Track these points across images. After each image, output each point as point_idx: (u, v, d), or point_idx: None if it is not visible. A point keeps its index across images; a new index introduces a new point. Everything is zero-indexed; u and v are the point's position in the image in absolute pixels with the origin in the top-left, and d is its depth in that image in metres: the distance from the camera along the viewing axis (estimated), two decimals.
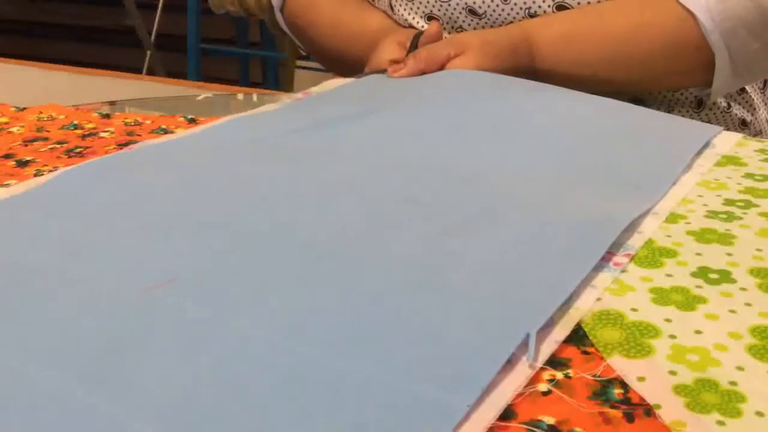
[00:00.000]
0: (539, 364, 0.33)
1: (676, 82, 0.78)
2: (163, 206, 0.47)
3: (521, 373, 0.32)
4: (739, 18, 0.70)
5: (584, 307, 0.37)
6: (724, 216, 0.46)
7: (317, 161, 0.54)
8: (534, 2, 0.76)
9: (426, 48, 0.74)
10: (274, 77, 3.07)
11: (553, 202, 0.47)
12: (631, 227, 0.44)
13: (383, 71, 0.75)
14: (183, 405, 0.30)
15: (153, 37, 2.80)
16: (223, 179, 0.51)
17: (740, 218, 0.45)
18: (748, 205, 0.47)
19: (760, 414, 0.30)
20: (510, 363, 0.32)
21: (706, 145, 0.57)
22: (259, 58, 3.14)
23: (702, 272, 0.40)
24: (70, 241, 0.43)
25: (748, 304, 0.37)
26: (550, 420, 0.29)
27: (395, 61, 0.76)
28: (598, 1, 0.74)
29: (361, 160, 0.54)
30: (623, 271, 0.40)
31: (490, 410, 0.30)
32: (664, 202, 0.48)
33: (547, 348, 0.34)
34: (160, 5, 2.75)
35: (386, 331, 0.34)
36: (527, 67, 0.73)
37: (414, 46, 0.76)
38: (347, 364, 0.32)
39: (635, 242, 0.43)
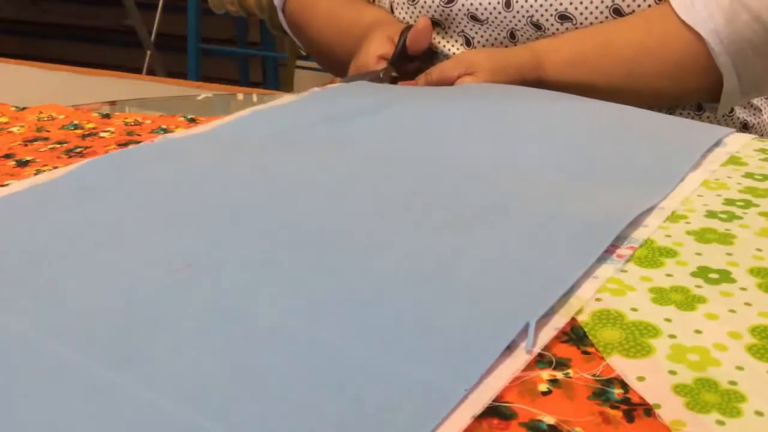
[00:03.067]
0: (537, 349, 0.33)
1: (682, 101, 0.78)
2: (182, 196, 0.49)
3: (519, 359, 0.33)
4: (747, 40, 0.70)
5: (585, 296, 0.37)
6: (724, 216, 0.46)
7: (332, 155, 0.55)
8: (536, 11, 0.75)
9: (436, 68, 0.74)
10: (274, 77, 3.07)
11: (559, 197, 0.48)
12: (637, 221, 0.44)
13: (371, 74, 0.74)
14: (195, 382, 0.31)
15: (153, 37, 2.80)
16: (240, 172, 0.53)
17: (740, 218, 0.45)
18: (748, 204, 0.47)
19: (759, 414, 0.30)
20: (509, 349, 0.33)
21: (717, 144, 0.57)
22: (259, 58, 3.14)
23: (702, 272, 0.40)
24: (93, 227, 0.45)
25: (748, 304, 0.37)
26: (550, 420, 0.29)
27: (383, 57, 0.75)
28: (603, 13, 0.74)
29: (372, 155, 0.55)
30: (623, 271, 0.40)
31: (487, 392, 0.30)
32: (670, 198, 0.48)
33: (546, 335, 0.34)
34: (160, 5, 2.75)
35: (389, 318, 0.35)
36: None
37: (402, 40, 0.75)
38: (350, 348, 0.33)
39: (639, 235, 0.43)
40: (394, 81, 0.76)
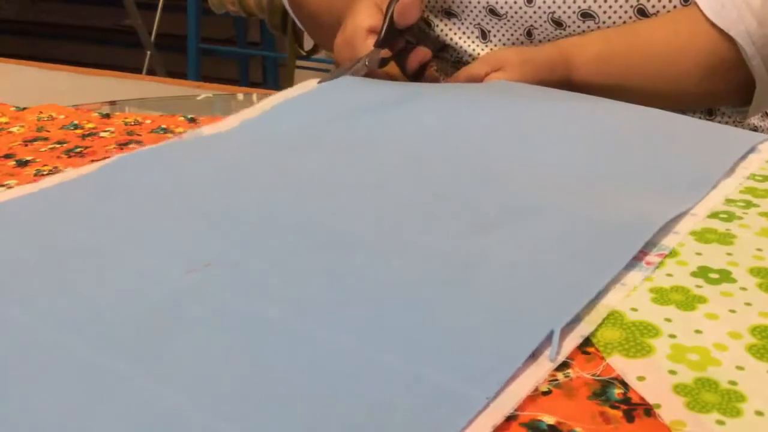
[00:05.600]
0: (562, 358, 0.33)
1: (711, 103, 0.78)
2: (205, 195, 0.49)
3: (542, 367, 0.32)
4: None
5: (611, 304, 0.37)
6: (725, 216, 0.46)
7: (353, 154, 0.55)
8: (559, 7, 0.74)
9: (464, 70, 0.73)
10: (274, 77, 3.07)
11: (587, 201, 0.47)
12: (667, 227, 0.43)
13: (356, 63, 0.71)
14: (213, 382, 0.31)
15: (153, 37, 2.80)
16: (263, 171, 0.53)
17: (740, 218, 0.45)
18: (748, 205, 0.47)
19: (760, 414, 0.30)
20: (532, 357, 0.32)
21: (752, 150, 0.55)
22: (259, 58, 3.14)
23: (702, 272, 0.40)
24: (117, 225, 0.45)
25: (748, 304, 0.37)
26: (550, 420, 0.29)
27: (372, 30, 0.72)
28: (627, 13, 0.73)
29: (395, 155, 0.55)
30: (645, 279, 0.40)
31: (509, 401, 0.30)
32: (702, 205, 0.47)
33: (572, 343, 0.34)
34: (160, 5, 2.75)
35: (411, 322, 0.35)
36: (564, 86, 0.72)
37: (390, 13, 0.71)
38: (371, 352, 0.32)
39: (670, 242, 0.42)
40: (382, 63, 0.73)
